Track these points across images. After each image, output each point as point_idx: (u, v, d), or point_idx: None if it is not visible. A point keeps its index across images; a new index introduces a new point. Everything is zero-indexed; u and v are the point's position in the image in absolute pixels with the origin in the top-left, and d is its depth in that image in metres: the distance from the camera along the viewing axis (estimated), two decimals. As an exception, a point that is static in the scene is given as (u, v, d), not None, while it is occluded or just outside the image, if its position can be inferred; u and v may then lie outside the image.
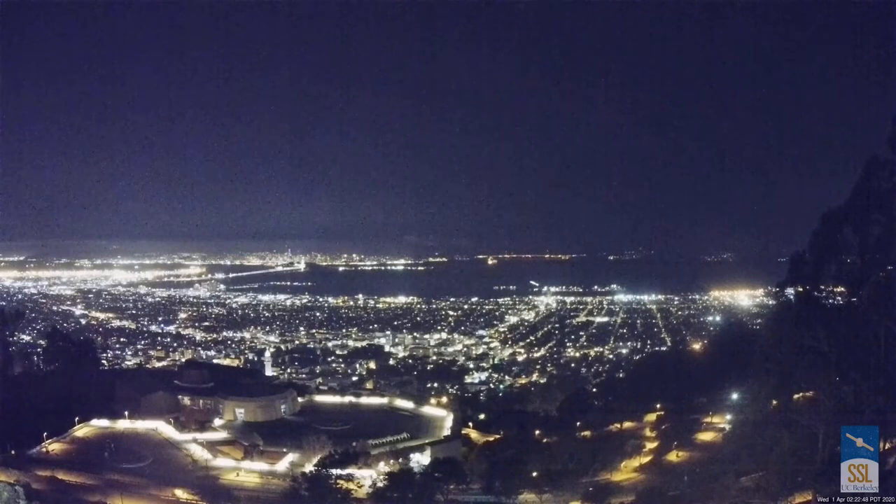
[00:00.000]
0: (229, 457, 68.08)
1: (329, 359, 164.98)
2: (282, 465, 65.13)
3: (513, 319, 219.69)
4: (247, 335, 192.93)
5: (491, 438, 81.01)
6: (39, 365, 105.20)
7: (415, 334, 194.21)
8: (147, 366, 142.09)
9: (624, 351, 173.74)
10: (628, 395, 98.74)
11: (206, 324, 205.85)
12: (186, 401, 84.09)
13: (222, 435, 75.34)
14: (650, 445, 75.54)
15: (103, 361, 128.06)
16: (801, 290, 45.03)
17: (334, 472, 56.33)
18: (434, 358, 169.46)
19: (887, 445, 38.50)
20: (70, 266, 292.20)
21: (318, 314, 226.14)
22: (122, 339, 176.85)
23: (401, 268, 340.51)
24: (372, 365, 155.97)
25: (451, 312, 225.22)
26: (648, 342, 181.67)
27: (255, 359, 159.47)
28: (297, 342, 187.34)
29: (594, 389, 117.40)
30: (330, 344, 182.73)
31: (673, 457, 69.65)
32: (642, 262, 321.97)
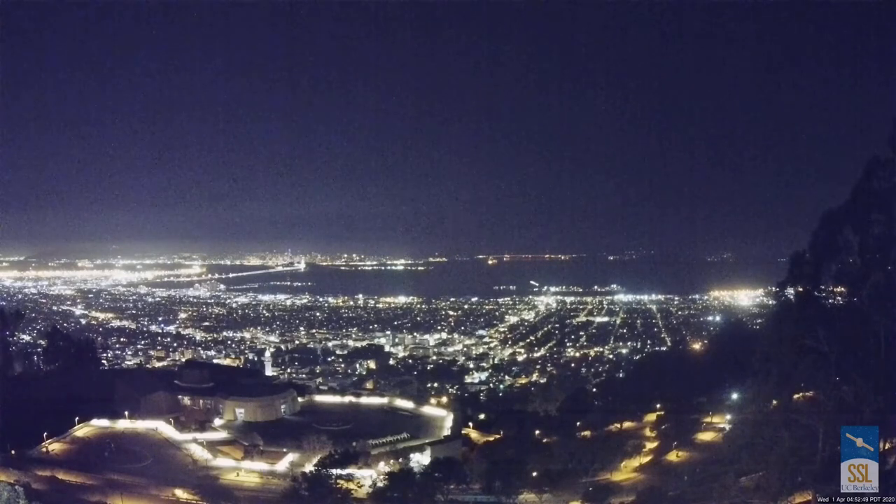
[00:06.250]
0: (229, 457, 68.12)
1: (329, 359, 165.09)
2: (282, 465, 65.19)
3: (513, 319, 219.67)
4: (247, 335, 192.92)
5: (491, 438, 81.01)
6: (39, 365, 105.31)
7: (415, 334, 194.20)
8: (147, 366, 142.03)
9: (624, 351, 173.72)
10: (628, 395, 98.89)
11: (206, 324, 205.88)
12: (186, 401, 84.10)
13: (222, 435, 75.38)
14: (650, 445, 75.59)
15: (103, 361, 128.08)
16: (801, 290, 44.87)
17: (334, 472, 56.44)
18: (434, 358, 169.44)
19: (887, 445, 38.47)
20: (70, 266, 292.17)
21: (318, 314, 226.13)
22: (122, 339, 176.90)
23: (401, 268, 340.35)
24: (372, 365, 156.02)
25: (451, 312, 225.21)
26: (648, 342, 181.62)
27: (255, 359, 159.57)
28: (297, 342, 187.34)
29: (594, 389, 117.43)
30: (330, 344, 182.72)
31: (673, 457, 69.68)
32: (642, 262, 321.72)
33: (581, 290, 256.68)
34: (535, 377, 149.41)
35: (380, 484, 57.69)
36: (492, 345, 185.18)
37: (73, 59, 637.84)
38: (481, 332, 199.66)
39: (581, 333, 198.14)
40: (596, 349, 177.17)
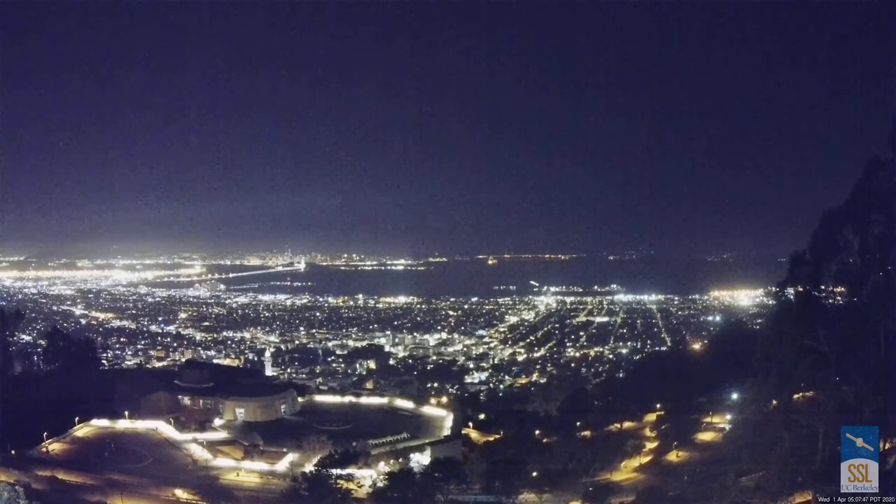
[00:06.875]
0: (229, 457, 68.14)
1: (329, 359, 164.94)
2: (282, 465, 65.20)
3: (513, 319, 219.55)
4: (247, 335, 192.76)
5: (491, 438, 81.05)
6: (39, 365, 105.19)
7: (415, 334, 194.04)
8: (147, 366, 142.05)
9: (624, 351, 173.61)
10: (628, 395, 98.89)
11: (206, 324, 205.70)
12: (186, 401, 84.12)
13: (222, 435, 75.41)
14: (650, 445, 75.64)
15: (103, 361, 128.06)
16: (801, 290, 44.93)
17: (334, 472, 56.49)
18: (434, 358, 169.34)
19: (887, 445, 38.45)
20: (70, 266, 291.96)
21: (318, 314, 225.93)
22: (122, 339, 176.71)
23: (401, 268, 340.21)
24: (372, 365, 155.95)
25: (451, 312, 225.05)
26: (648, 342, 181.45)
27: (255, 359, 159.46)
28: (297, 342, 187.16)
29: (594, 389, 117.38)
30: (330, 344, 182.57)
31: (673, 457, 69.72)
32: (642, 262, 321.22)
33: (581, 290, 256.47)
34: (535, 377, 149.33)
35: (380, 484, 57.72)
36: (492, 345, 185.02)
37: (74, 59, 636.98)
38: (481, 332, 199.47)
39: (581, 333, 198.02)
40: (596, 349, 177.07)
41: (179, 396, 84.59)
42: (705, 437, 73.48)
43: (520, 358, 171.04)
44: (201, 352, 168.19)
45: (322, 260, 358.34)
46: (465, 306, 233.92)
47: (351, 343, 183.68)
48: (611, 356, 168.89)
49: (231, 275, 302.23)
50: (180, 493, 56.27)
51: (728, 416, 72.49)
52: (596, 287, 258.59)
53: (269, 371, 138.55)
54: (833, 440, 37.04)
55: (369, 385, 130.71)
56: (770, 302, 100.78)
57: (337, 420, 79.96)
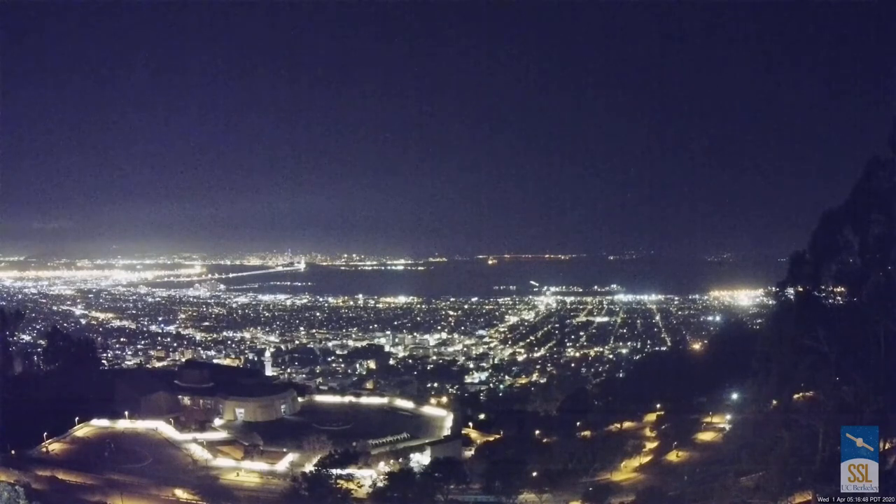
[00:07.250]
0: (229, 457, 68.14)
1: (329, 359, 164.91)
2: (282, 465, 65.21)
3: (513, 319, 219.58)
4: (247, 335, 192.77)
5: (491, 438, 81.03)
6: (39, 365, 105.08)
7: (415, 334, 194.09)
8: (147, 366, 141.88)
9: (624, 351, 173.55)
10: (628, 395, 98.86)
11: (206, 324, 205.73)
12: (186, 401, 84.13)
13: (222, 435, 75.41)
14: (650, 445, 75.60)
15: (103, 361, 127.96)
16: (801, 290, 44.92)
17: (334, 472, 56.46)
18: (434, 358, 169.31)
19: (887, 445, 38.44)
20: (70, 266, 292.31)
21: (318, 314, 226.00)
22: (122, 339, 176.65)
23: (401, 268, 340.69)
24: (372, 365, 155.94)
25: (451, 312, 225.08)
26: (648, 342, 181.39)
27: (255, 359, 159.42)
28: (297, 342, 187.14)
29: (594, 389, 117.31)
30: (330, 344, 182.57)
31: (673, 457, 69.69)
32: (642, 262, 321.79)
33: (581, 290, 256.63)
34: (535, 377, 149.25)
35: (380, 484, 57.72)
36: (492, 345, 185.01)
37: (73, 59, 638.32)
38: (481, 332, 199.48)
39: (581, 333, 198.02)
40: (596, 349, 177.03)
41: (179, 396, 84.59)
42: (705, 437, 73.47)
43: (520, 358, 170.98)
44: (201, 352, 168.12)
45: (322, 260, 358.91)
46: (465, 306, 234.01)
47: (351, 343, 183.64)
48: (611, 356, 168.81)
49: (231, 275, 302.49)
50: (180, 493, 56.28)
51: (728, 416, 72.47)
52: (596, 287, 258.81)
53: (269, 371, 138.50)
54: (833, 440, 37.00)
55: (369, 385, 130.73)
56: (770, 302, 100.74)
57: (337, 420, 79.98)
